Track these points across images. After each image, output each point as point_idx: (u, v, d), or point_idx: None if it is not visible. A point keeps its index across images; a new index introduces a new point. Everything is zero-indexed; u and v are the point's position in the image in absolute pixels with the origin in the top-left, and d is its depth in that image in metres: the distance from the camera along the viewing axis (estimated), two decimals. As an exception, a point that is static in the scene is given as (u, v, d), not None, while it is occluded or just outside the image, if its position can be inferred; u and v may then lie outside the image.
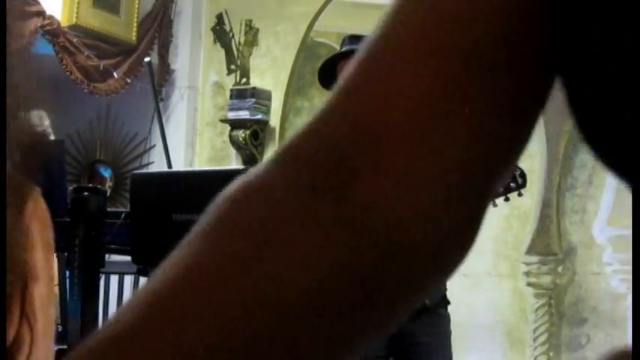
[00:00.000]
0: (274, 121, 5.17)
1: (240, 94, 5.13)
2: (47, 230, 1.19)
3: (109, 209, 2.62)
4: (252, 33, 5.29)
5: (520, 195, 3.09)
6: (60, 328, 2.41)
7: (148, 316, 0.36)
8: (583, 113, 0.41)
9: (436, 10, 0.41)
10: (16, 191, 1.11)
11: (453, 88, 0.40)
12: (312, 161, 0.40)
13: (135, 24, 5.20)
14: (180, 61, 5.46)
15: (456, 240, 0.42)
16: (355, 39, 2.77)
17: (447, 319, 2.79)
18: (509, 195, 3.05)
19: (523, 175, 3.06)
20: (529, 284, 4.67)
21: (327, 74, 2.76)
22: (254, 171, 0.40)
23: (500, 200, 3.02)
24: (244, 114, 5.08)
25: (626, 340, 0.48)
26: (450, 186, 0.40)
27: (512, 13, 0.41)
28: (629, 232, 0.41)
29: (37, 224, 1.16)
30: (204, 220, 0.39)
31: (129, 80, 5.08)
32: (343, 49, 2.82)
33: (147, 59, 4.12)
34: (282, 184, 0.39)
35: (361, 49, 0.43)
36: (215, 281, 0.37)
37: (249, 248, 0.37)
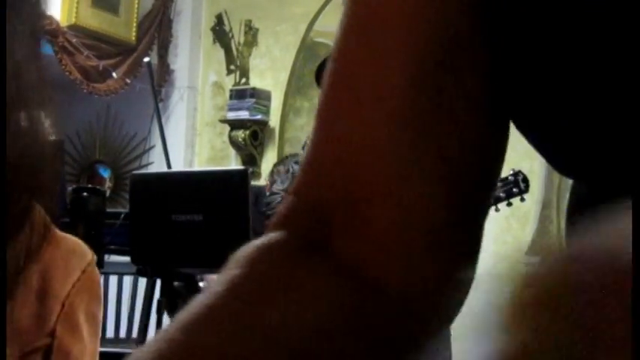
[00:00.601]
0: (274, 121, 5.17)
1: (239, 95, 5.14)
2: (97, 310, 0.96)
3: (108, 210, 2.62)
4: (251, 33, 5.29)
5: (522, 200, 3.09)
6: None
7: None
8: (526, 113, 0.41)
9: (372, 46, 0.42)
10: (66, 255, 0.92)
11: (420, 134, 0.41)
12: (299, 224, 0.44)
13: (134, 24, 5.20)
14: (180, 61, 5.46)
15: (445, 291, 0.43)
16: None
17: (446, 319, 2.79)
18: (511, 200, 3.05)
19: (526, 180, 3.06)
20: (529, 284, 4.68)
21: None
22: (264, 236, 0.44)
23: (502, 204, 3.03)
24: (244, 114, 5.08)
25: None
26: (426, 241, 0.41)
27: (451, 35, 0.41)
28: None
29: (85, 298, 0.93)
30: (219, 281, 0.41)
31: (128, 80, 5.08)
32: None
33: (146, 59, 4.12)
34: (279, 246, 0.43)
35: (320, 99, 0.44)
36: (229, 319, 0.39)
37: (258, 304, 0.39)
